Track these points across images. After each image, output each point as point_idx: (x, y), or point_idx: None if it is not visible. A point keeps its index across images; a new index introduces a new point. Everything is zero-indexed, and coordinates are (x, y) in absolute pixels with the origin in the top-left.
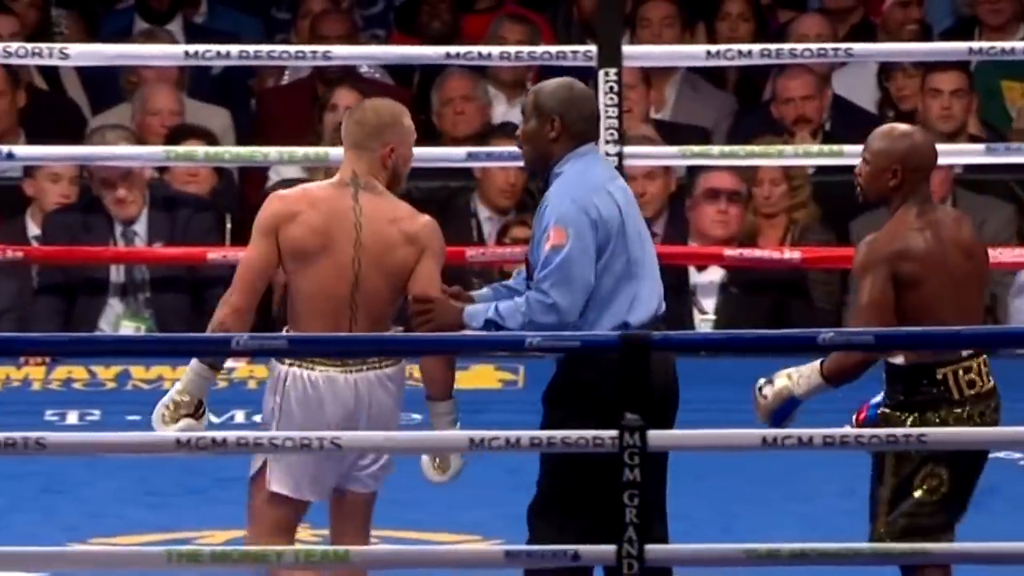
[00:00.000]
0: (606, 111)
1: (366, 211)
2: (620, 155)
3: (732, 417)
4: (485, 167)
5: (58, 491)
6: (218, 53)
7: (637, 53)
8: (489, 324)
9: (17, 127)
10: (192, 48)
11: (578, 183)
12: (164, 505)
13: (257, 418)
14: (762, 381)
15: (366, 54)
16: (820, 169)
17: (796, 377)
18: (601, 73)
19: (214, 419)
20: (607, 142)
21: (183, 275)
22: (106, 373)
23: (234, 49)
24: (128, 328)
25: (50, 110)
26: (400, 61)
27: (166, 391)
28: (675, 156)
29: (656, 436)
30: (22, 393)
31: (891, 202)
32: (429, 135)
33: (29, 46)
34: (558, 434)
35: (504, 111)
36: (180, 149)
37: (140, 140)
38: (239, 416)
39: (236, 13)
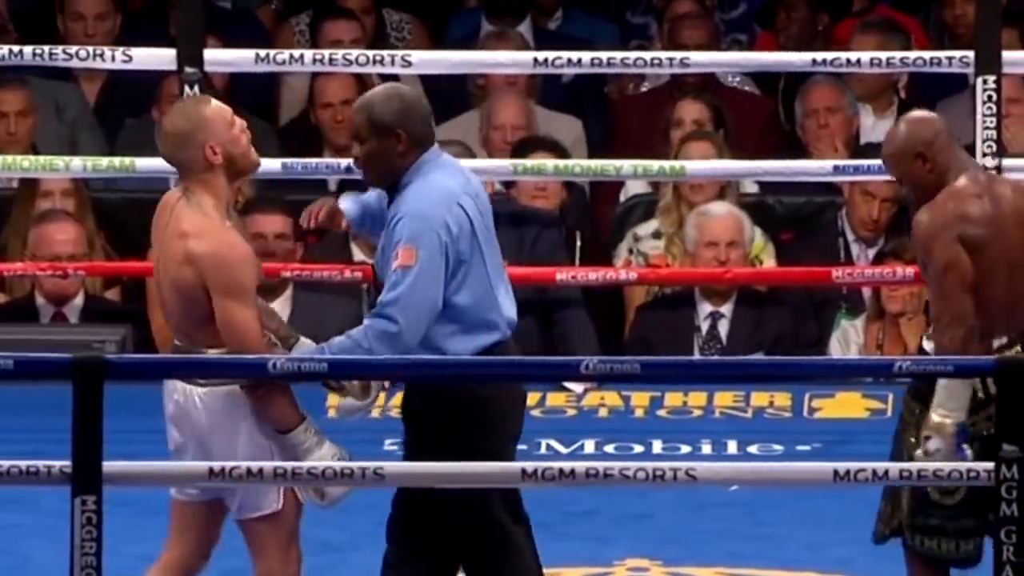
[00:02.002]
0: (983, 121)
1: (172, 222)
2: (999, 168)
3: None
4: (852, 187)
5: None
6: (569, 60)
7: (1019, 59)
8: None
9: None
10: (542, 55)
11: (429, 197)
12: None
13: (609, 447)
14: (918, 452)
15: (726, 61)
16: None
17: (939, 412)
18: (979, 80)
19: (561, 449)
20: (984, 155)
21: (531, 296)
22: None
23: (586, 56)
24: None
25: None
26: (762, 68)
27: None
28: None
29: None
30: (360, 421)
31: (933, 187)
32: (793, 147)
33: (370, 53)
34: (930, 466)
35: (872, 123)
36: (529, 163)
37: (486, 152)
38: (588, 446)
39: (591, 18)
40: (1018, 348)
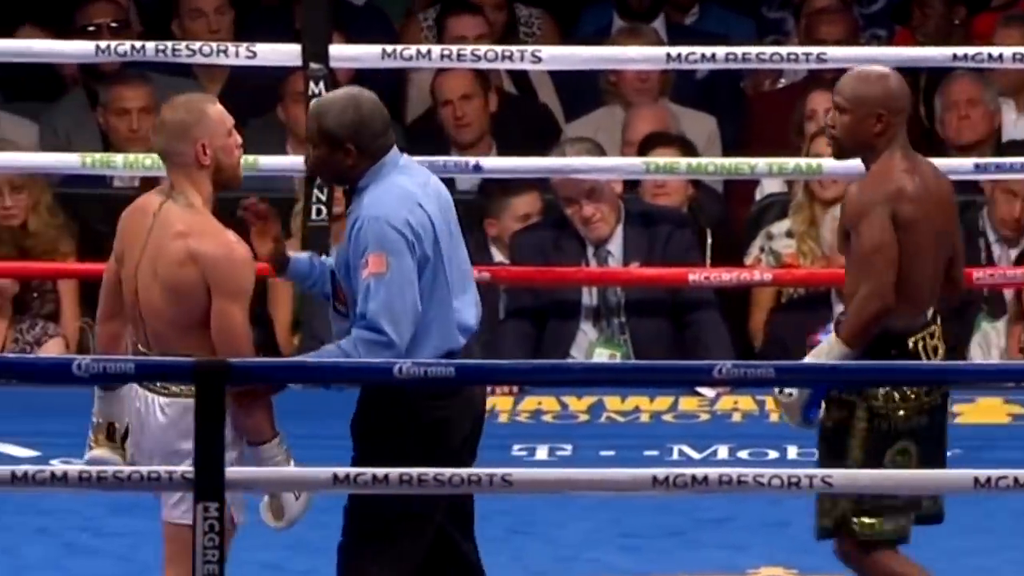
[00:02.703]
0: None
1: (160, 221)
2: None
3: None
4: (994, 186)
5: (526, 532)
6: (703, 56)
7: None
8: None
9: (488, 135)
10: (675, 50)
11: (388, 200)
12: (640, 548)
13: (743, 453)
14: (775, 389)
15: (864, 56)
16: None
17: (819, 353)
18: None
19: (694, 454)
20: None
21: (662, 298)
22: (578, 404)
23: (720, 51)
24: (602, 355)
25: (521, 117)
26: (901, 63)
27: (642, 424)
28: None
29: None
30: (488, 425)
31: (873, 151)
32: (933, 145)
33: (499, 49)
34: None
35: (1015, 119)
36: (660, 161)
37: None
38: (722, 452)
39: (727, 14)
40: (937, 325)
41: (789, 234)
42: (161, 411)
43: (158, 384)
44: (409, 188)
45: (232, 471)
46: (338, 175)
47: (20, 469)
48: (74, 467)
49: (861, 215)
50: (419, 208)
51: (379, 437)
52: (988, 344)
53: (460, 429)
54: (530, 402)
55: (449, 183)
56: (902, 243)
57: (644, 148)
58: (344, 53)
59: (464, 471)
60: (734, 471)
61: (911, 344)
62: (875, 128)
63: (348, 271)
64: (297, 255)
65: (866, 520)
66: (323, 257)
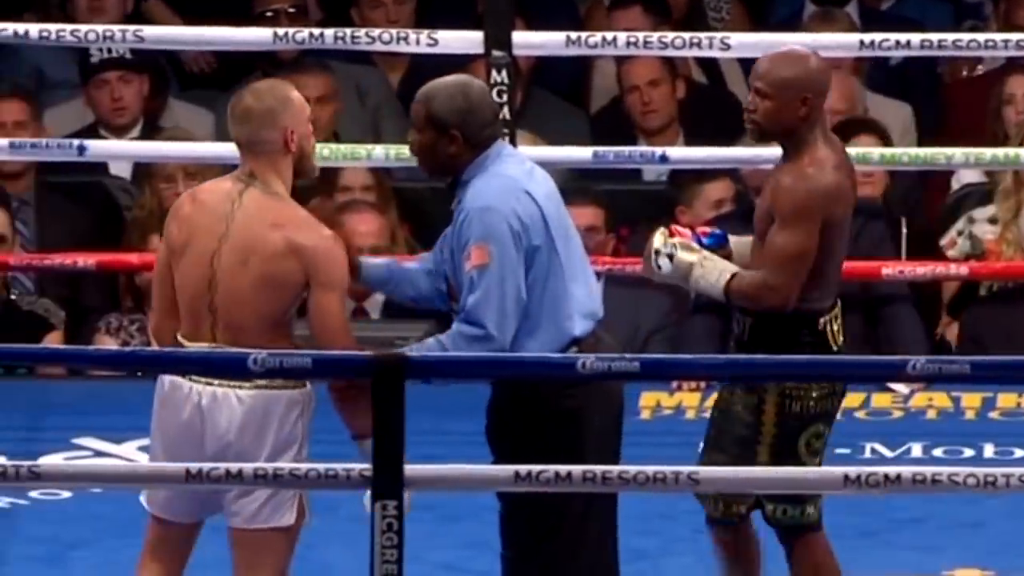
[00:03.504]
0: None
1: (246, 209)
2: None
3: None
4: None
5: None
6: (897, 42)
7: None
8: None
9: (676, 124)
10: (868, 37)
11: (493, 190)
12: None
13: (938, 451)
14: (661, 246)
15: None
16: None
17: (705, 268)
18: None
19: (887, 452)
20: None
21: (855, 292)
22: None
23: (915, 38)
24: None
25: (709, 106)
26: None
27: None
28: None
29: None
30: (674, 423)
31: (795, 135)
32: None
33: (687, 36)
34: None
35: None
36: (853, 151)
37: None
38: (916, 450)
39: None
40: (837, 311)
41: (992, 220)
42: (238, 402)
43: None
44: (515, 176)
45: (411, 469)
46: (440, 163)
47: (195, 467)
48: (249, 466)
49: (796, 214)
50: (526, 196)
51: (512, 432)
52: None
53: (593, 420)
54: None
55: (636, 172)
56: (824, 241)
57: (840, 135)
58: (527, 40)
59: (650, 468)
60: (928, 470)
61: (821, 324)
62: (800, 112)
63: (455, 266)
64: (369, 260)
65: (801, 507)
66: (409, 263)
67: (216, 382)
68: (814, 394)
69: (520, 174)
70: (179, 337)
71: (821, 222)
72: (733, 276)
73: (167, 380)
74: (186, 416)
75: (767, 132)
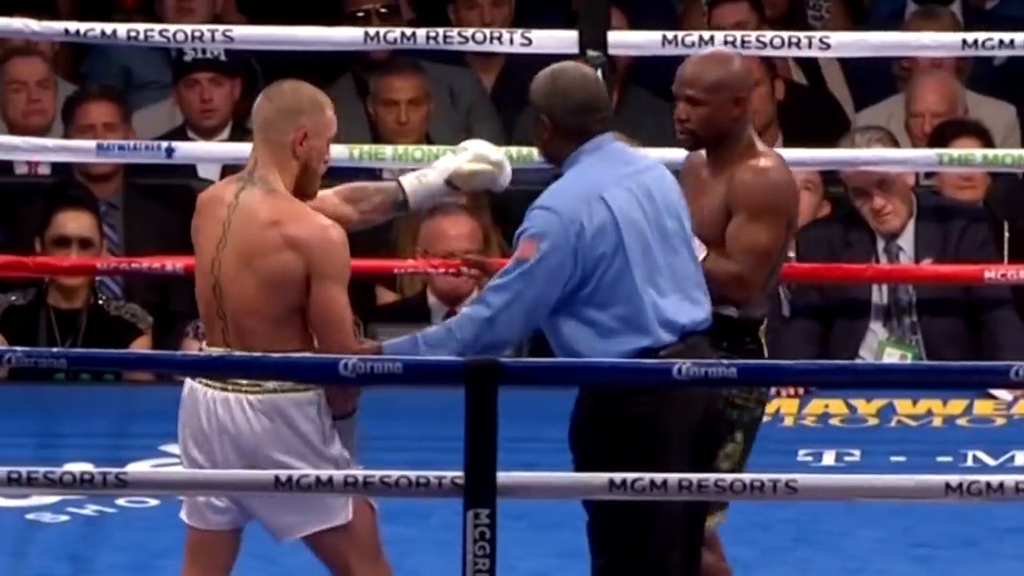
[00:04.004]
0: None
1: (242, 211)
2: None
3: None
4: None
5: (813, 542)
6: (1000, 42)
7: None
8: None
9: (774, 125)
10: (971, 36)
11: (567, 192)
12: (932, 559)
13: None
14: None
15: None
16: None
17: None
18: None
19: (989, 460)
20: None
21: (956, 296)
22: (867, 408)
23: (1019, 37)
24: (892, 356)
25: (809, 107)
26: None
27: (935, 428)
28: None
29: None
30: (773, 429)
31: (729, 136)
32: None
33: (785, 35)
34: None
35: None
36: (955, 152)
37: (909, 140)
38: (1019, 458)
39: None
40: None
41: None
42: (251, 408)
43: (243, 382)
44: (598, 179)
45: (504, 476)
46: (541, 149)
47: (284, 474)
48: (339, 473)
49: (767, 209)
50: (600, 202)
51: (587, 439)
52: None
53: (667, 426)
54: (816, 405)
55: None
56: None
57: (940, 137)
58: (623, 40)
59: (747, 476)
60: None
61: (760, 332)
62: (733, 113)
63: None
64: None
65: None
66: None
67: (231, 387)
68: (751, 404)
69: (604, 176)
70: (203, 345)
71: (786, 223)
72: (706, 256)
73: (186, 385)
74: (204, 421)
75: (702, 139)
